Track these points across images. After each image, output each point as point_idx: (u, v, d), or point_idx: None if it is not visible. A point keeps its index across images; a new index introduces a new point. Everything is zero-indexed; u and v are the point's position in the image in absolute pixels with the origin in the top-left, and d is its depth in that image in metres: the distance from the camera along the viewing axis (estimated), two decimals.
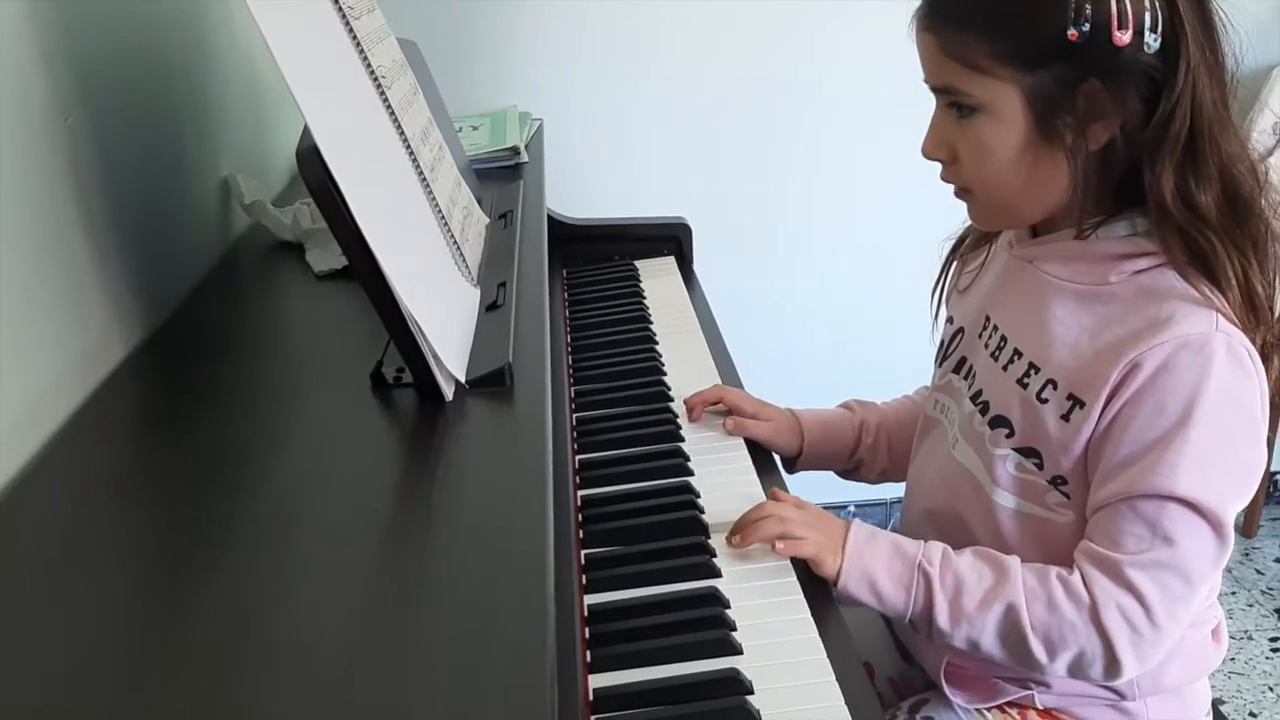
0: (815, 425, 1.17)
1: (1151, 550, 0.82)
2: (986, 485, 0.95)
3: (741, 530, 0.92)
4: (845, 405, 1.21)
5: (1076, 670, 0.86)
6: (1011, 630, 0.85)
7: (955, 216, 0.99)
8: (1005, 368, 0.93)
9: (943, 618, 0.87)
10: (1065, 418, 0.87)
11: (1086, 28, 0.80)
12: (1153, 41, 0.80)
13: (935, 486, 1.02)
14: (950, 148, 0.89)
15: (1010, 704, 0.97)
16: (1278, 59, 2.05)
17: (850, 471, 1.21)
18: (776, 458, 1.16)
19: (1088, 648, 0.84)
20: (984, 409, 0.95)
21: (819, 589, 0.89)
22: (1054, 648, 0.84)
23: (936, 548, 0.90)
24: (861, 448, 1.18)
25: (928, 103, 0.92)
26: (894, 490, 1.95)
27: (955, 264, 1.08)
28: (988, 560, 0.89)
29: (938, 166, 0.92)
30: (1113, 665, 0.84)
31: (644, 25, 2.01)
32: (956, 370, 1.01)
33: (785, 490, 1.01)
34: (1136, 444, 0.83)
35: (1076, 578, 0.85)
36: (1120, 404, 0.84)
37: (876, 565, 0.89)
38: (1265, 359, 0.85)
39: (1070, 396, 0.87)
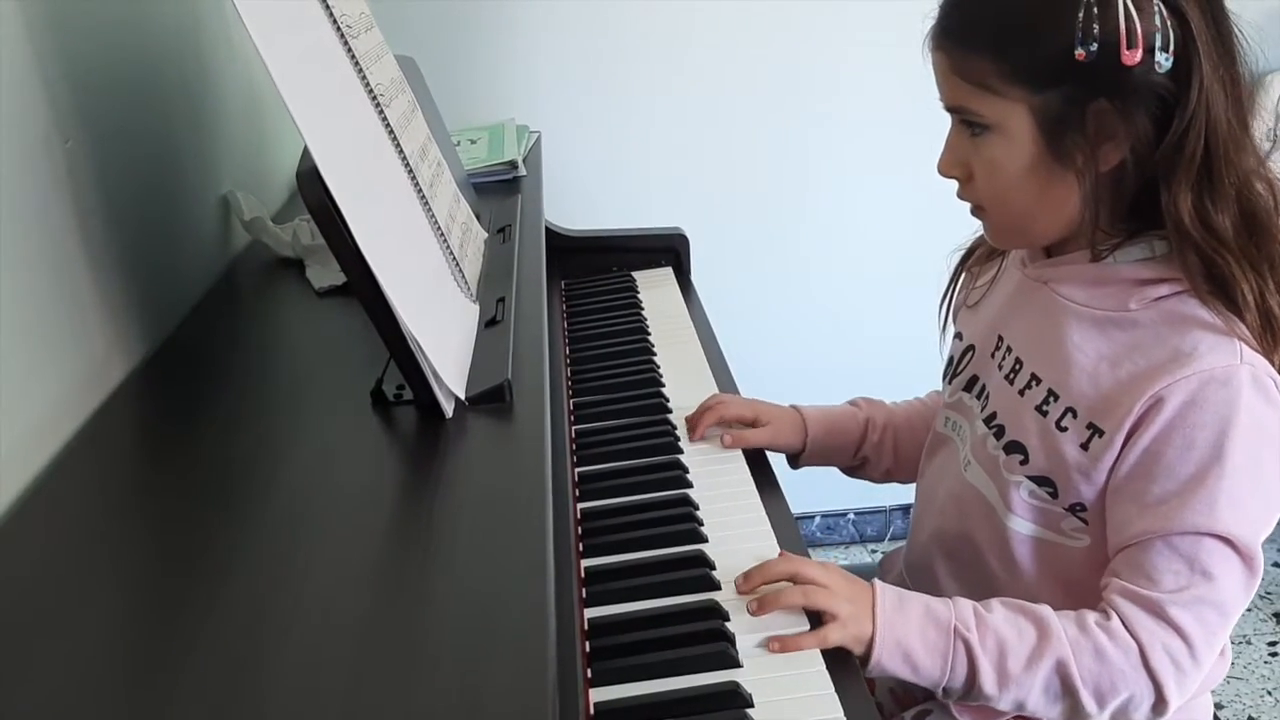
0: (819, 421, 1.17)
1: (1191, 587, 0.81)
2: (1000, 510, 0.94)
3: (759, 595, 0.87)
4: (852, 402, 1.21)
5: (1121, 716, 0.84)
6: (1062, 686, 0.83)
7: (959, 226, 0.98)
8: (1022, 393, 0.93)
9: (989, 684, 0.83)
10: (1084, 446, 0.87)
11: (1094, 47, 0.79)
12: (1164, 61, 0.79)
13: (946, 507, 1.02)
14: (965, 166, 0.89)
15: (1015, 718, 0.97)
16: (1273, 65, 2.05)
17: (854, 469, 1.21)
18: (781, 458, 1.15)
19: (1137, 692, 0.82)
20: (999, 433, 0.95)
21: None
22: (1104, 697, 0.82)
23: (967, 606, 0.85)
24: (867, 445, 1.17)
25: (931, 111, 0.92)
26: (894, 497, 1.96)
27: (964, 277, 1.07)
28: (1023, 614, 0.85)
29: (941, 177, 0.92)
30: (1160, 704, 0.83)
31: (640, 37, 2.02)
32: (968, 389, 1.01)
33: (799, 546, 0.97)
34: (1169, 480, 0.82)
35: (1117, 622, 0.82)
36: (1146, 439, 0.83)
37: (910, 635, 0.84)
38: None
39: (1090, 425, 0.86)
